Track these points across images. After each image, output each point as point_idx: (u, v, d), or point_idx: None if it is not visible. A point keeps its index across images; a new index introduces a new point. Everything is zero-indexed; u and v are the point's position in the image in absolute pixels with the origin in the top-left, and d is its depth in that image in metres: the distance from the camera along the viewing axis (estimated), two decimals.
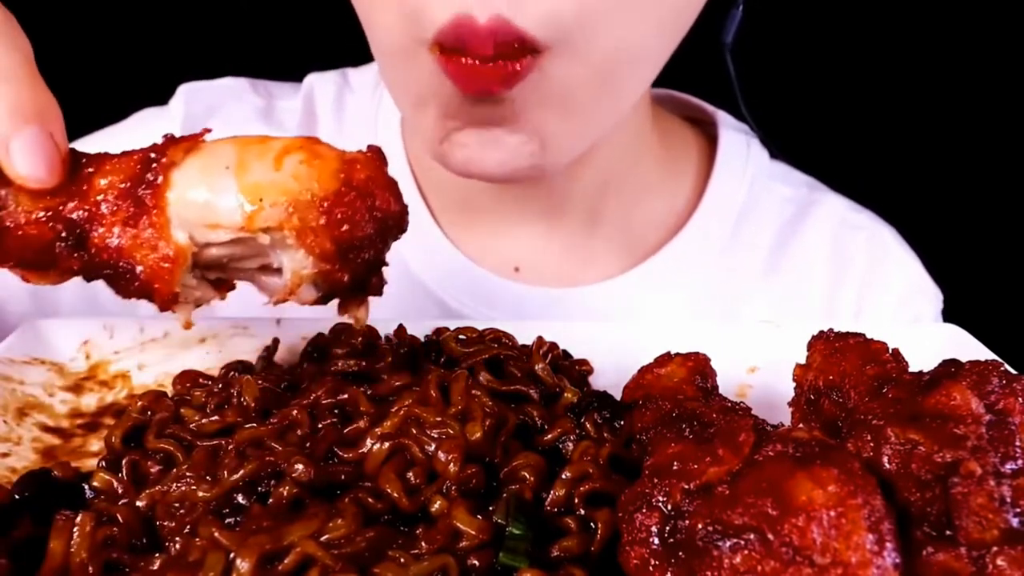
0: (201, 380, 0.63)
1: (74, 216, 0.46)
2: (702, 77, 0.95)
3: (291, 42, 1.21)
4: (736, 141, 0.96)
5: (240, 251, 0.47)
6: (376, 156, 0.47)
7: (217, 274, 0.49)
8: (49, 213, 0.46)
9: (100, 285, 0.86)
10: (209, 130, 0.48)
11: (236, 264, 0.49)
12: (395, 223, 0.48)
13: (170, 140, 0.47)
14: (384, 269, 0.56)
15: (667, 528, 0.41)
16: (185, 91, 0.93)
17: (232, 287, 0.51)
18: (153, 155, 0.46)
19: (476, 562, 0.44)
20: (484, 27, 0.59)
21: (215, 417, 0.55)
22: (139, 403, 0.58)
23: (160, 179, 0.45)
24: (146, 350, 0.66)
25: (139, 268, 0.46)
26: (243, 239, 0.46)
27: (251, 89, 0.96)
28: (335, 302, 0.52)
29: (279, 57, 1.05)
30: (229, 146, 0.46)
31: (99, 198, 0.46)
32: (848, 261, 0.95)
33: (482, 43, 0.59)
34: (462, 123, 0.66)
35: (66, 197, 0.46)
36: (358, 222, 0.45)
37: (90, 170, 0.47)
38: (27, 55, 0.47)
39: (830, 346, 0.55)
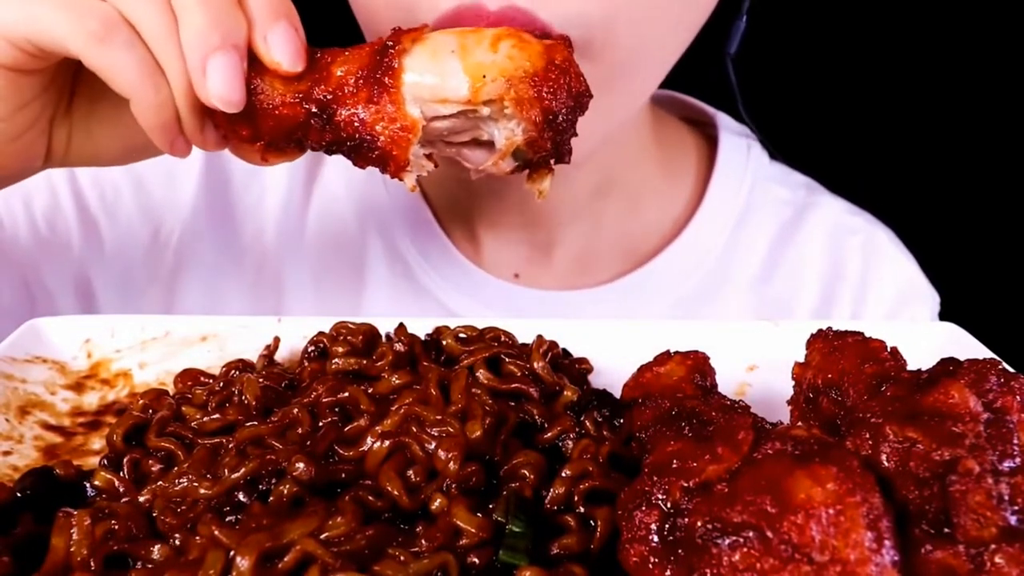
0: (202, 378, 0.63)
1: (322, 97, 0.53)
2: (700, 77, 0.94)
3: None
4: (736, 145, 0.96)
5: (459, 124, 0.55)
6: (566, 43, 0.55)
7: (430, 149, 0.57)
8: (300, 95, 0.54)
9: (98, 286, 0.87)
10: (427, 25, 0.55)
11: (450, 138, 0.56)
12: (585, 99, 0.54)
13: (400, 31, 0.54)
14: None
15: (666, 526, 0.41)
16: None
17: (436, 164, 0.58)
18: (389, 43, 0.53)
19: (476, 560, 0.44)
20: (493, 13, 0.57)
21: (216, 415, 0.55)
22: (140, 401, 0.59)
23: (396, 63, 0.53)
24: (147, 348, 0.66)
25: (380, 139, 0.53)
26: (465, 112, 0.53)
27: None
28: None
29: None
30: (450, 35, 0.54)
31: (341, 82, 0.53)
32: (844, 265, 0.94)
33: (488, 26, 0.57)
34: None
35: (311, 83, 0.54)
36: (560, 95, 0.52)
37: (328, 59, 0.54)
38: None
39: (829, 344, 0.55)
